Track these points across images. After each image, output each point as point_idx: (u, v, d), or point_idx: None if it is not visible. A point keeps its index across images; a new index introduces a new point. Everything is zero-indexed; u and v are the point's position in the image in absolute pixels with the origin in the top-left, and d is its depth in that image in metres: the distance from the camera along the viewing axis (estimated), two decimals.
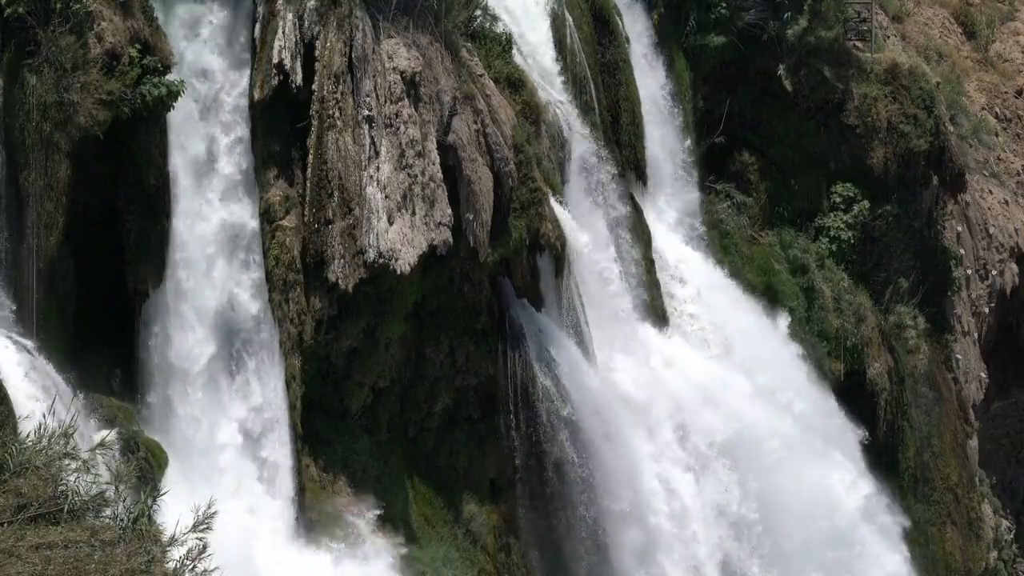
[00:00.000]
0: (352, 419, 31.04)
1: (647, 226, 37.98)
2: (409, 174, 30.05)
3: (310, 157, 29.35)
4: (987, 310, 49.64)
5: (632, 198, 37.97)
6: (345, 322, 30.16)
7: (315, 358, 29.94)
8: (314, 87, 29.45)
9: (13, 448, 13.08)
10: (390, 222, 29.64)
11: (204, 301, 28.41)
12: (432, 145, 30.53)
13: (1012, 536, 50.24)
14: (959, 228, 48.33)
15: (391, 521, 30.98)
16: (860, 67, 44.97)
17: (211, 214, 28.64)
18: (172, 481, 25.41)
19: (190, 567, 12.81)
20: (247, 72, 29.08)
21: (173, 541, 12.90)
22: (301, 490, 29.25)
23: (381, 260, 29.38)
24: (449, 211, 30.43)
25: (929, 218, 46.40)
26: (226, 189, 28.90)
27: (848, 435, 41.18)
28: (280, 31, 29.04)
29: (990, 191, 51.00)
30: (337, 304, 29.79)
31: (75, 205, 26.34)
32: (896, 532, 41.19)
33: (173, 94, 26.85)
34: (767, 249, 43.17)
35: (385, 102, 30.05)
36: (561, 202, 34.54)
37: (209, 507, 12.63)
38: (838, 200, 44.31)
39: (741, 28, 42.23)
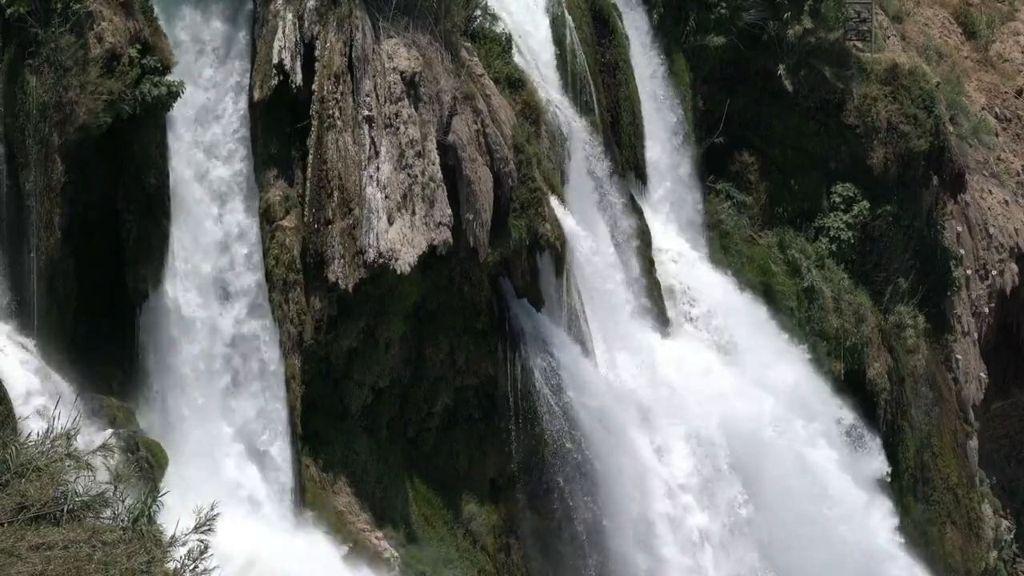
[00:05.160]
0: (352, 419, 31.02)
1: (647, 226, 37.97)
2: (409, 174, 30.04)
3: (310, 157, 29.34)
4: (987, 310, 49.60)
5: (632, 198, 37.97)
6: (345, 322, 30.15)
7: (315, 358, 29.93)
8: (314, 87, 29.43)
9: (14, 448, 13.07)
10: (390, 222, 29.63)
11: (204, 300, 28.40)
12: (432, 145, 30.52)
13: (1012, 536, 50.19)
14: (959, 228, 48.29)
15: (391, 521, 30.98)
16: (860, 67, 44.93)
17: (209, 214, 28.64)
18: (171, 482, 25.40)
19: (191, 567, 12.79)
20: (247, 72, 29.08)
21: (174, 541, 12.88)
22: (301, 490, 29.24)
23: (381, 260, 29.37)
24: (449, 211, 30.42)
25: (929, 218, 46.35)
26: (224, 189, 28.88)
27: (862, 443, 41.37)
28: (280, 31, 29.02)
29: (990, 191, 50.95)
30: (337, 304, 29.79)
31: (75, 205, 26.33)
32: None
33: (173, 94, 26.85)
34: (767, 249, 43.15)
35: (385, 102, 30.04)
36: (561, 202, 34.53)
37: (211, 508, 12.62)
38: (838, 200, 44.27)
39: (741, 28, 42.21)
